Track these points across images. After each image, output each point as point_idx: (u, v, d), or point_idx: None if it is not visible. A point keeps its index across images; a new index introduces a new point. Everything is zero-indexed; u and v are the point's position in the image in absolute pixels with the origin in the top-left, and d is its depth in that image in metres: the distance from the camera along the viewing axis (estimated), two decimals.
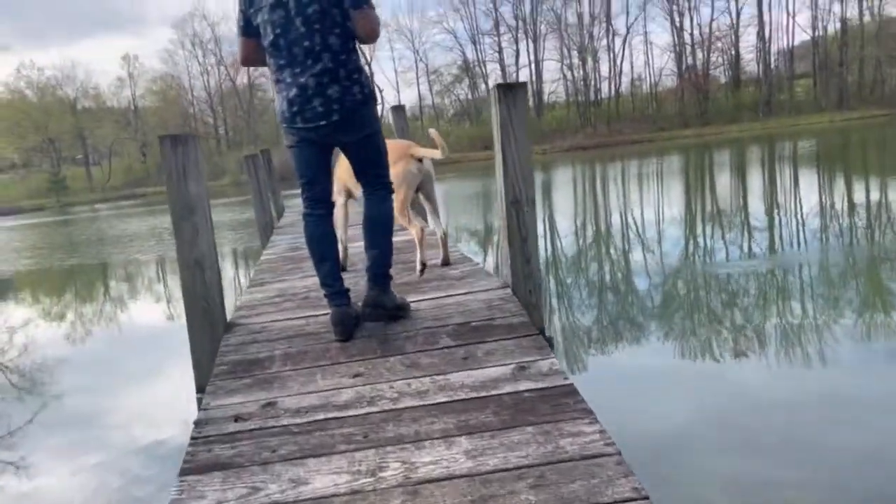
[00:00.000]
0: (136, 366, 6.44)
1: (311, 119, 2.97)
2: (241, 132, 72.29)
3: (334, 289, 3.12)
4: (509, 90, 3.27)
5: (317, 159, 3.13)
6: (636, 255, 9.37)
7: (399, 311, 3.29)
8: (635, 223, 12.44)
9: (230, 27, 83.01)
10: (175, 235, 3.18)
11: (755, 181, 18.28)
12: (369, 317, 3.17)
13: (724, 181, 19.25)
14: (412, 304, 3.41)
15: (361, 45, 3.12)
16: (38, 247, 20.36)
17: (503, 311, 3.19)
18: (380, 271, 3.20)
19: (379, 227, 3.20)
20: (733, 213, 12.54)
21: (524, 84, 3.37)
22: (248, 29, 3.07)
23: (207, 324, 3.18)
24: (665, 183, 20.56)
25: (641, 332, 5.93)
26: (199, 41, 72.01)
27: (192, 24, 71.97)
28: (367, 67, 3.32)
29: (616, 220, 13.38)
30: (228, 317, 3.45)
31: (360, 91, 3.02)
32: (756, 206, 13.01)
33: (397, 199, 4.12)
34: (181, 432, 4.09)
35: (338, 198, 4.32)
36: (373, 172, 3.21)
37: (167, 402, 5.17)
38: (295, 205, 13.18)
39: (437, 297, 3.48)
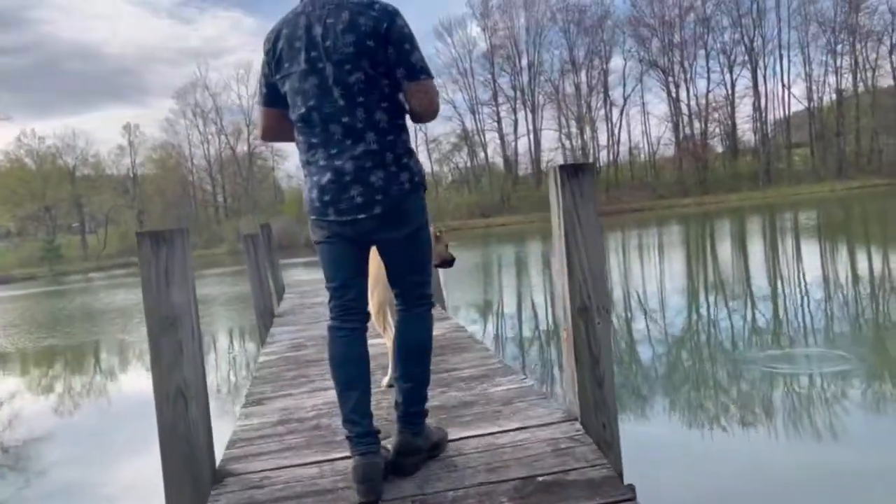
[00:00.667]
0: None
1: (348, 211, 2.36)
2: (240, 199, 72.32)
3: (361, 428, 2.37)
4: (575, 173, 2.62)
5: (352, 261, 2.45)
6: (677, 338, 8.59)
7: (436, 451, 2.55)
8: (651, 300, 11.73)
9: (230, 98, 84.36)
10: (151, 357, 2.47)
11: (776, 256, 17.66)
12: (402, 469, 2.42)
13: (741, 257, 18.65)
14: (452, 442, 2.67)
15: (414, 123, 2.54)
16: (16, 324, 19.32)
17: (577, 457, 2.44)
18: (415, 409, 2.48)
19: (416, 355, 2.49)
20: (761, 297, 11.85)
21: (591, 165, 2.73)
22: (272, 98, 2.48)
23: (190, 476, 2.42)
24: (689, 260, 19.93)
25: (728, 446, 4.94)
26: (201, 111, 72.97)
27: (193, 95, 73.06)
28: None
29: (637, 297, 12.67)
30: (218, 458, 2.69)
31: (410, 179, 2.38)
32: (787, 289, 12.32)
33: (373, 300, 3.46)
34: None
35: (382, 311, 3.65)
36: (413, 280, 2.52)
37: None
38: (296, 283, 12.46)
39: (484, 434, 2.73)
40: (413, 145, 2.51)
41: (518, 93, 69.13)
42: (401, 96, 2.38)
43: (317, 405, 3.30)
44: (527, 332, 8.61)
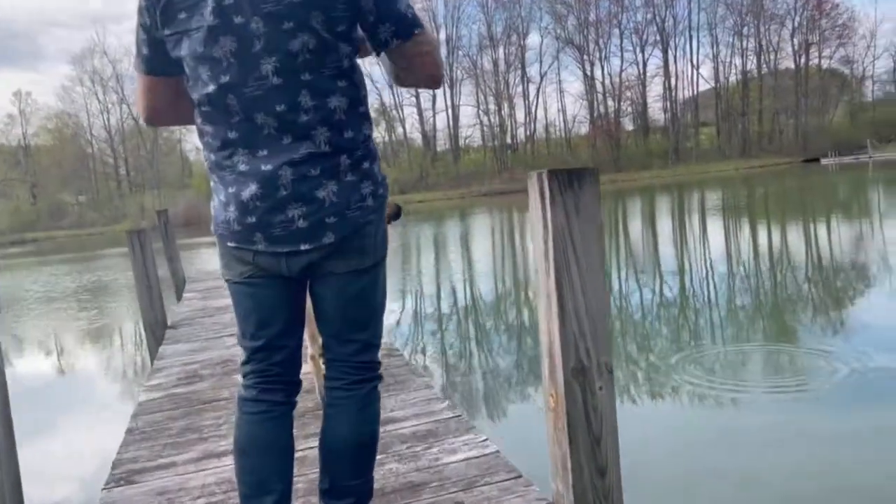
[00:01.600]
0: None
1: (284, 239, 1.56)
2: (144, 173, 68.28)
3: None
4: (571, 182, 1.87)
5: (285, 309, 1.66)
6: None
7: None
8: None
9: (132, 65, 79.67)
10: None
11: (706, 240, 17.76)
12: None
13: (650, 235, 18.66)
14: None
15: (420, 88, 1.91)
16: None
17: None
18: None
19: (354, 458, 1.71)
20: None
21: (593, 172, 1.96)
22: (158, 62, 1.61)
23: None
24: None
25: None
26: (100, 78, 67.98)
27: (91, 61, 67.98)
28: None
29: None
30: None
31: (373, 192, 1.61)
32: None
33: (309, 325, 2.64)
34: None
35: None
36: (358, 340, 1.70)
37: None
38: (201, 275, 11.23)
39: None
40: None
41: None
42: (357, 74, 1.61)
43: (208, 486, 2.43)
44: (464, 346, 7.83)
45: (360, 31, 1.55)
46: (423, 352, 6.87)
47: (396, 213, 3.09)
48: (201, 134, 1.60)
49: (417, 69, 1.58)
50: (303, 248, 1.53)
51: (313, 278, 1.64)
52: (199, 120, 1.59)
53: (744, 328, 7.10)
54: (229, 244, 1.60)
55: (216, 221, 1.62)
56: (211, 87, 1.50)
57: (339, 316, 1.66)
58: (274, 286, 1.61)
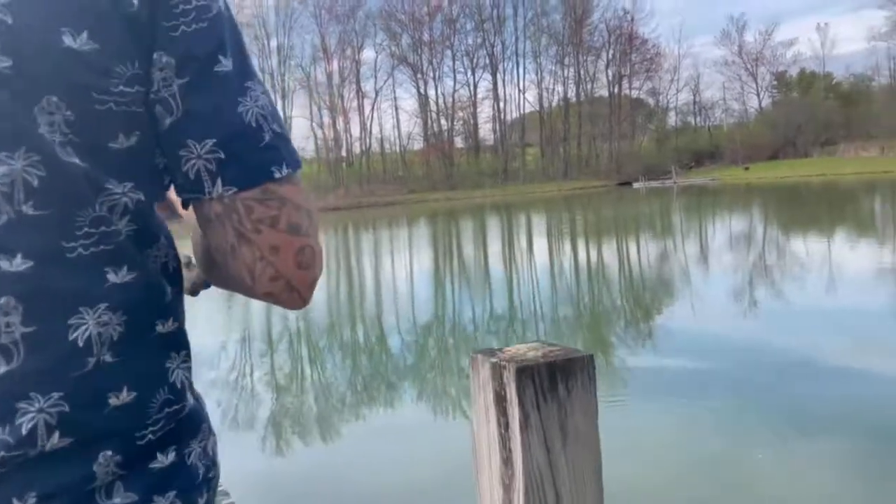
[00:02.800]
0: None
1: None
2: None
3: None
4: (554, 381, 1.03)
5: None
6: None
7: None
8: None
9: None
10: None
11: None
12: None
13: (482, 253, 18.93)
14: None
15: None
16: None
17: None
18: None
19: None
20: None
21: (587, 359, 1.07)
22: None
23: None
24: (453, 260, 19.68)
25: None
26: None
27: None
28: None
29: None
30: None
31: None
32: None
33: None
34: None
35: None
36: None
37: None
38: None
39: None
40: None
41: (267, 76, 65.71)
42: (165, 239, 0.71)
43: None
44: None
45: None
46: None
47: (202, 287, 2.33)
48: None
49: (267, 257, 0.65)
50: None
51: None
52: None
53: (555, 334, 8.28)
54: None
55: None
56: None
57: None
58: None
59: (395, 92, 68.93)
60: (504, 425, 1.06)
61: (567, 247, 19.32)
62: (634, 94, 72.15)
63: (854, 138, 56.76)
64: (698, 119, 76.77)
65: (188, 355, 0.69)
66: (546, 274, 13.97)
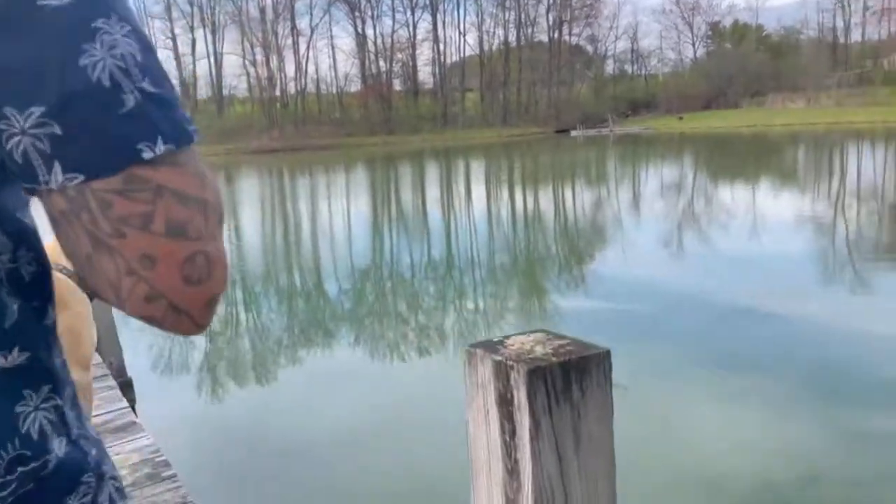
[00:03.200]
0: None
1: None
2: None
3: None
4: (568, 380, 0.93)
5: None
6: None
7: None
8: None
9: None
10: None
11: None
12: None
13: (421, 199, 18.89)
14: None
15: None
16: None
17: None
18: None
19: None
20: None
21: (604, 355, 0.97)
22: None
23: None
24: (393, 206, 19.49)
25: None
26: None
27: None
28: None
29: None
30: None
31: None
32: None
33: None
34: None
35: None
36: None
37: None
38: None
39: None
40: None
41: (196, 9, 62.62)
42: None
43: None
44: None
45: None
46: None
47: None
48: None
49: (137, 271, 0.47)
50: None
51: None
52: None
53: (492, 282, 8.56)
54: None
55: None
56: None
57: None
58: None
59: (331, 30, 67.02)
60: (510, 432, 0.94)
61: (505, 194, 19.50)
62: (574, 40, 72.03)
63: (782, 90, 58.48)
64: (635, 67, 77.55)
65: (56, 389, 0.53)
66: (484, 220, 14.10)
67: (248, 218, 16.53)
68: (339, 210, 17.46)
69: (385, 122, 61.85)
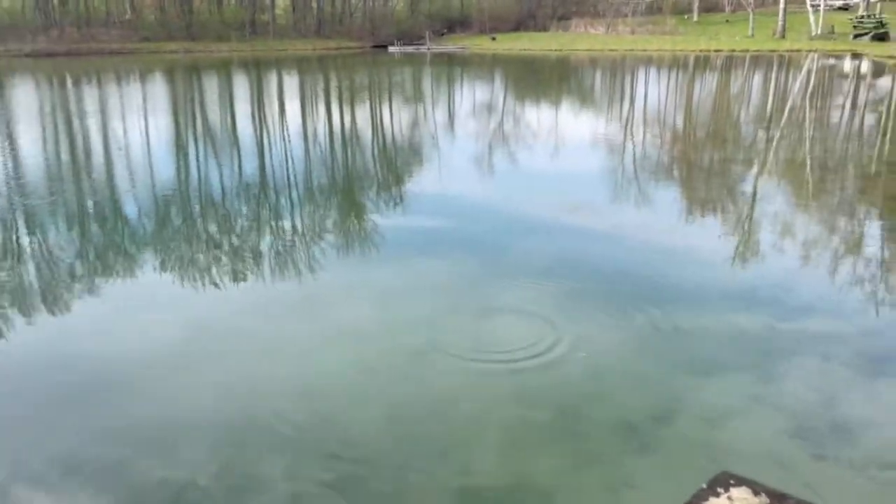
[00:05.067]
0: None
1: None
2: None
3: None
4: None
5: None
6: None
7: None
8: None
9: None
10: None
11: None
12: None
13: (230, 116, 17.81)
14: None
15: None
16: None
17: None
18: None
19: None
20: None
21: None
22: None
23: None
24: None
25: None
26: None
27: None
28: None
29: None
30: None
31: None
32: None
33: None
34: None
35: None
36: None
37: None
38: None
39: None
40: None
41: None
42: None
43: None
44: None
45: None
46: None
47: None
48: None
49: None
50: None
51: None
52: None
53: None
54: None
55: None
56: None
57: None
58: None
59: None
60: None
61: (322, 110, 18.94)
62: None
63: (584, 14, 61.56)
64: None
65: None
66: (300, 138, 13.67)
67: (25, 132, 14.63)
68: (136, 124, 15.95)
69: (186, 27, 56.61)
